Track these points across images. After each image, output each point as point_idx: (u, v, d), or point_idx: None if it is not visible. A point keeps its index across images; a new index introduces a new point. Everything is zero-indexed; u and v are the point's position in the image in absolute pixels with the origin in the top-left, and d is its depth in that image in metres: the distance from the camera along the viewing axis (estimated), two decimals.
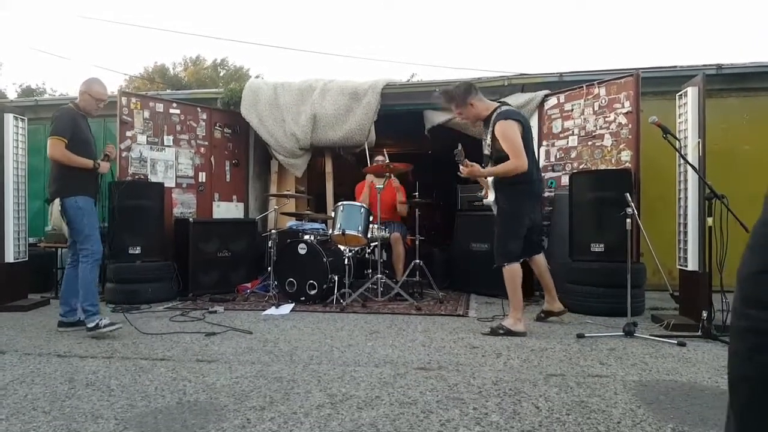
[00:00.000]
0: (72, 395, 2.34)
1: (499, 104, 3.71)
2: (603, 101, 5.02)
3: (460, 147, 3.61)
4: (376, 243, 4.96)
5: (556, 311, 3.90)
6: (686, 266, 3.91)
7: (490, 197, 3.73)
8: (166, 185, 5.63)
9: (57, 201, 3.60)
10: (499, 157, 3.52)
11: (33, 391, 2.39)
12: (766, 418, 0.56)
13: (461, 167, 3.60)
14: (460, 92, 3.63)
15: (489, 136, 3.60)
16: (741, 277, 0.60)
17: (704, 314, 3.46)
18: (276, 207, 5.99)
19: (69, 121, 3.60)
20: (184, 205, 6.06)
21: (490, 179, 3.71)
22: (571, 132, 5.31)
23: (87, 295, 3.58)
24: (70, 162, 3.56)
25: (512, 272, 3.56)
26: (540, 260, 3.83)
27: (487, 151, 3.68)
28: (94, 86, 3.76)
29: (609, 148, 4.96)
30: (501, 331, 3.55)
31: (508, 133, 3.45)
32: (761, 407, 0.56)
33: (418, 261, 5.07)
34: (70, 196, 3.58)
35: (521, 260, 3.66)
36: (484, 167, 3.67)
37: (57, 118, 3.60)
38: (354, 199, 5.77)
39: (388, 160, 5.37)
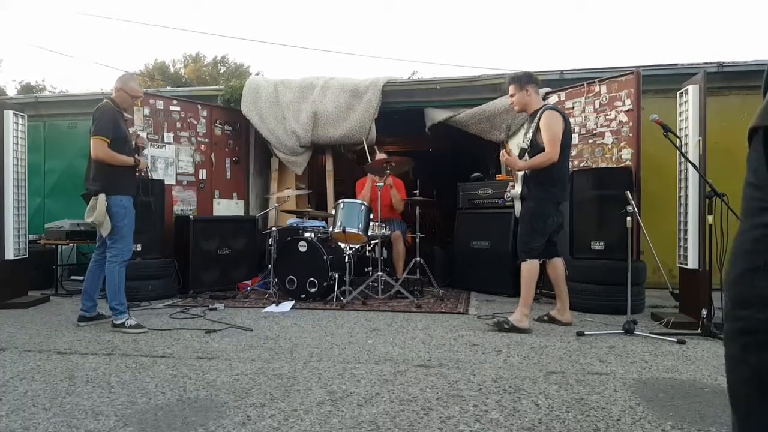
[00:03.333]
0: (72, 392, 2.34)
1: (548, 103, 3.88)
2: (604, 99, 5.01)
3: (510, 122, 3.73)
4: (377, 241, 4.97)
5: (564, 322, 3.81)
6: (686, 264, 3.91)
7: (517, 189, 3.77)
8: (166, 182, 5.62)
9: (102, 196, 3.58)
10: (537, 150, 3.60)
11: (33, 388, 2.40)
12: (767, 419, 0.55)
13: (502, 152, 3.70)
14: (525, 76, 3.79)
15: (532, 130, 3.68)
16: (728, 282, 0.62)
17: (704, 312, 3.46)
18: (276, 204, 5.98)
19: (111, 119, 3.63)
20: (184, 203, 6.06)
21: (520, 174, 3.76)
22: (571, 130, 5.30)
23: (115, 295, 3.64)
24: (113, 161, 3.60)
25: (530, 268, 3.59)
26: (558, 265, 3.79)
27: (525, 145, 3.75)
28: (130, 83, 3.82)
29: (610, 146, 4.95)
30: (506, 326, 3.56)
31: (552, 123, 3.55)
32: (762, 409, 0.56)
33: (418, 259, 5.07)
34: (116, 195, 3.63)
35: (540, 260, 3.69)
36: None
37: (99, 118, 3.60)
38: (354, 195, 5.77)
39: (386, 156, 5.36)
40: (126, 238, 3.69)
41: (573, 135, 5.23)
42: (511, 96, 3.83)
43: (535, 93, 3.77)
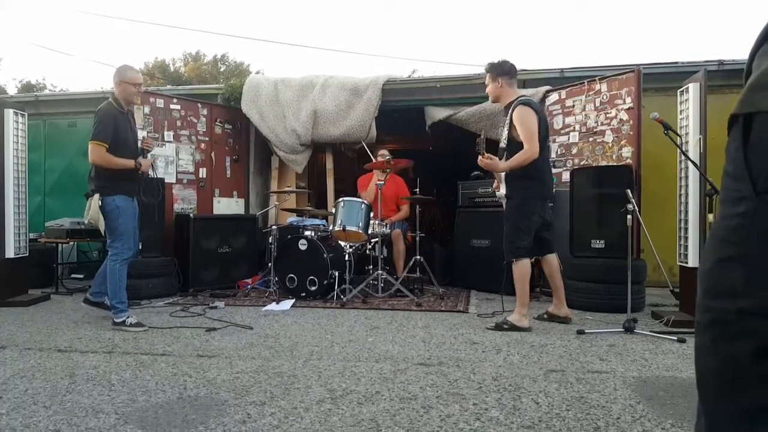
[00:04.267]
0: (72, 390, 2.35)
1: (522, 96, 3.81)
2: (604, 97, 5.00)
3: (482, 135, 3.72)
4: (377, 239, 4.96)
5: (562, 316, 3.82)
6: (686, 262, 3.91)
7: (502, 190, 3.74)
8: (166, 181, 5.61)
9: (97, 196, 3.65)
10: (514, 145, 3.55)
11: (33, 386, 2.40)
12: (736, 412, 0.57)
13: (479, 158, 3.62)
14: (499, 67, 3.73)
15: (507, 125, 3.64)
16: (700, 273, 0.63)
17: None
18: (277, 203, 5.98)
19: (109, 122, 3.61)
20: (184, 201, 6.06)
21: (502, 174, 3.73)
22: (572, 128, 5.30)
23: (115, 293, 3.67)
24: (111, 165, 3.60)
25: (522, 268, 3.58)
26: (552, 261, 3.79)
27: (503, 144, 3.71)
28: (127, 72, 3.76)
29: (610, 144, 4.94)
30: (505, 326, 3.56)
31: (525, 118, 3.50)
32: (731, 402, 0.57)
33: (418, 257, 5.07)
34: (110, 195, 3.64)
35: (533, 258, 3.68)
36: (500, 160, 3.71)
37: (98, 121, 3.61)
38: (356, 191, 5.76)
39: (389, 156, 5.38)
40: (123, 237, 3.69)
41: (574, 133, 5.27)
42: (486, 85, 3.80)
43: (509, 85, 3.72)
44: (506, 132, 3.66)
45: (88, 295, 3.95)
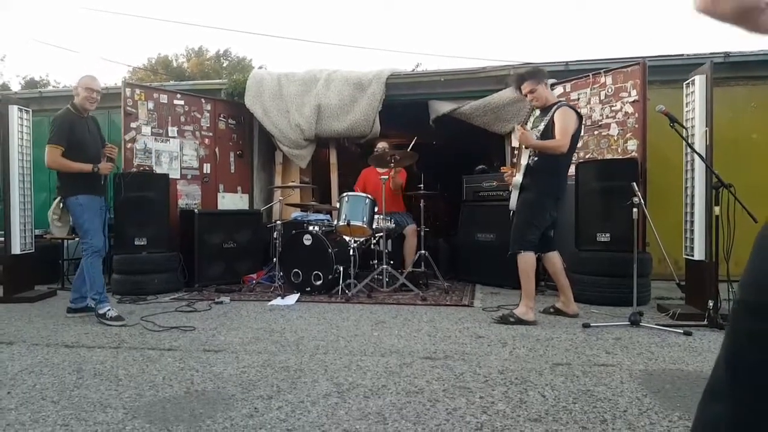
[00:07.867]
0: (80, 385, 2.36)
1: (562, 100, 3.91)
2: (609, 90, 4.98)
3: (532, 110, 3.81)
4: (381, 234, 4.96)
5: (570, 313, 3.81)
6: (692, 256, 3.89)
7: (518, 177, 3.70)
8: (171, 177, 5.63)
9: (58, 199, 3.82)
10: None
11: (41, 381, 2.42)
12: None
13: (517, 127, 3.67)
14: (539, 72, 3.79)
15: (543, 124, 3.65)
16: None
17: (710, 304, 3.45)
18: (281, 198, 5.99)
19: (65, 126, 3.72)
20: (189, 197, 6.07)
21: (523, 163, 3.71)
22: None
23: (92, 285, 3.76)
24: (66, 169, 3.72)
25: (526, 260, 3.58)
26: (555, 259, 3.79)
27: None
28: (82, 80, 3.90)
29: (615, 138, 4.92)
30: (512, 319, 3.56)
31: (566, 118, 3.56)
32: None
33: (423, 251, 5.07)
34: (71, 196, 3.76)
35: (536, 254, 3.67)
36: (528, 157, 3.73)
37: (54, 125, 3.73)
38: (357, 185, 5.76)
39: (388, 147, 5.36)
40: (90, 231, 3.77)
41: None
42: (531, 92, 3.72)
43: (549, 87, 3.79)
44: (542, 128, 3.63)
45: (69, 304, 3.96)
